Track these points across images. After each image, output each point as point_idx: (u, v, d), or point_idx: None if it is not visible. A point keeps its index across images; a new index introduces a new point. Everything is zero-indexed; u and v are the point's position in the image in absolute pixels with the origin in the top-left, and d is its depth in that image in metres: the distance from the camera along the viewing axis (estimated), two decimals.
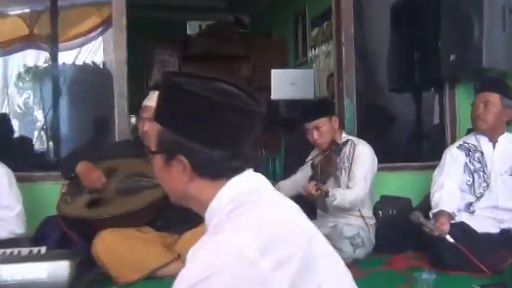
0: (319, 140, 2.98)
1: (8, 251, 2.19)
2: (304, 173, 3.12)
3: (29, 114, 5.81)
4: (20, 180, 2.68)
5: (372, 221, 3.05)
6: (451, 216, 2.71)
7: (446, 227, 2.59)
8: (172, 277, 0.92)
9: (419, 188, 3.37)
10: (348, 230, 2.84)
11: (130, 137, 3.20)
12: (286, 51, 6.60)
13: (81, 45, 5.82)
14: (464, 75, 3.54)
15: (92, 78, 5.40)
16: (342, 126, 3.17)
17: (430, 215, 2.73)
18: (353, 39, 3.52)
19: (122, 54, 3.18)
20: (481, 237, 2.67)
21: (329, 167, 2.91)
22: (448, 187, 2.80)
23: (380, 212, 3.17)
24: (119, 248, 2.41)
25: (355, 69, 3.51)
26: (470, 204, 2.81)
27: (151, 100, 2.66)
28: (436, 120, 3.85)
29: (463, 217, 2.79)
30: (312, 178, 2.95)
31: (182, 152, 0.99)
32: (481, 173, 2.82)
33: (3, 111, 5.66)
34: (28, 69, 5.75)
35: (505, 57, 3.25)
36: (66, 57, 5.69)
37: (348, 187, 2.89)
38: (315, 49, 5.80)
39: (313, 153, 3.17)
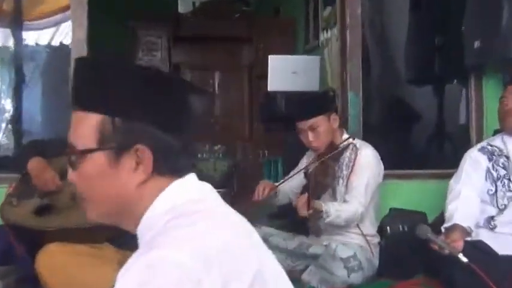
0: (315, 143, 2.97)
1: None
2: (298, 180, 3.10)
3: None
4: None
5: (375, 240, 3.03)
6: (466, 231, 2.67)
7: (459, 245, 2.55)
8: None
9: (437, 200, 3.32)
10: (343, 250, 2.83)
11: None
12: (296, 34, 6.55)
13: (51, 25, 5.87)
14: (491, 65, 3.51)
15: (58, 63, 5.42)
16: (342, 125, 3.15)
17: (442, 229, 2.70)
18: (360, 22, 3.51)
19: (80, 33, 3.17)
20: (502, 260, 2.63)
21: (326, 177, 2.90)
22: (466, 196, 2.76)
23: (388, 228, 3.15)
24: (68, 266, 2.37)
25: (361, 57, 3.51)
26: (492, 218, 2.77)
27: None
28: (463, 119, 3.81)
29: (482, 235, 2.75)
30: (304, 189, 2.95)
31: (142, 141, 0.97)
32: (506, 181, 2.79)
33: None
34: None
35: None
36: (32, 39, 5.73)
37: (344, 200, 2.87)
38: (327, 31, 5.75)
39: (308, 155, 3.17)
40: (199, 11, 6.85)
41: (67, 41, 5.62)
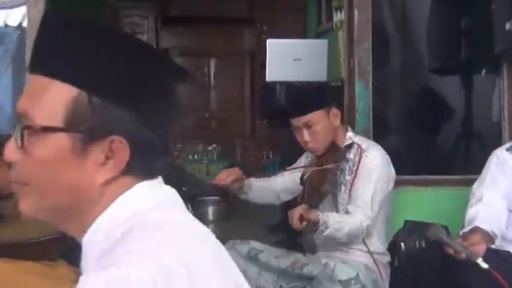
0: (312, 144, 2.95)
1: None
2: (289, 181, 3.12)
3: None
4: None
5: (385, 258, 3.01)
6: (488, 236, 2.64)
7: (480, 248, 2.52)
8: None
9: (462, 211, 3.28)
10: (343, 270, 2.79)
11: None
12: (306, 14, 6.53)
13: (22, 2, 5.89)
14: None
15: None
16: (347, 122, 3.16)
17: (460, 233, 2.70)
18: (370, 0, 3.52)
19: (36, 12, 3.17)
20: None
21: (323, 184, 2.88)
22: (489, 200, 2.76)
23: (402, 244, 3.11)
24: (10, 286, 2.35)
25: (372, 42, 3.50)
26: None
27: None
28: (494, 115, 3.79)
29: (509, 248, 2.76)
30: (301, 198, 2.94)
31: (118, 131, 0.94)
32: None
33: None
34: None
35: None
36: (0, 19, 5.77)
37: (347, 211, 2.84)
38: (340, 11, 5.72)
39: (307, 155, 3.16)
40: None
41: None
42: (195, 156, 6.24)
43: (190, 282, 0.88)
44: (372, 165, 2.89)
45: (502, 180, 2.81)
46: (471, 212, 2.75)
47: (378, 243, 2.98)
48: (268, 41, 4.44)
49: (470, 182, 3.43)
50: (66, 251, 2.59)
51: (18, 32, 6.13)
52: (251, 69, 7.03)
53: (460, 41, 3.72)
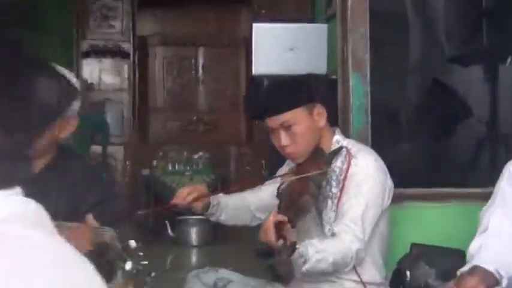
0: (292, 149, 2.91)
1: None
2: (268, 196, 3.10)
3: None
4: None
5: None
6: (492, 277, 2.57)
7: None
8: None
9: None
10: None
11: None
12: None
13: None
14: None
15: None
16: (336, 123, 3.18)
17: (458, 273, 2.64)
18: None
19: None
20: None
21: (303, 196, 2.81)
22: (496, 230, 2.70)
23: (408, 273, 3.10)
24: None
25: (369, 26, 3.47)
26: None
27: None
28: None
29: None
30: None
31: None
32: None
33: None
34: None
35: None
36: None
37: (332, 233, 2.79)
38: None
39: (286, 165, 3.15)
40: None
41: None
42: (175, 167, 6.21)
43: None
44: (362, 174, 2.84)
45: None
46: (473, 245, 2.71)
47: (374, 272, 2.93)
48: (254, 25, 4.48)
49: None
50: None
51: None
52: (247, 60, 6.97)
53: (479, 24, 3.71)
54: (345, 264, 2.77)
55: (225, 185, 6.26)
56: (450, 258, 3.13)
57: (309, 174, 2.86)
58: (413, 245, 3.24)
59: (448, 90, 4.07)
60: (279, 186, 3.00)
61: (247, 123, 7.03)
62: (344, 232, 2.75)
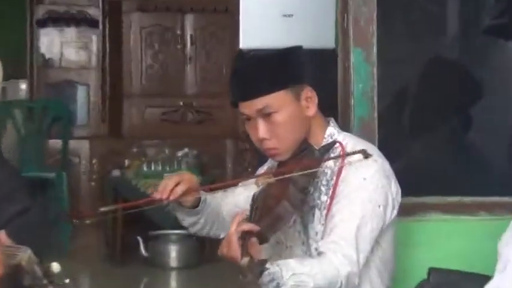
0: (272, 143, 2.91)
1: None
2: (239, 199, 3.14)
3: None
4: None
5: None
6: None
7: None
8: None
9: None
10: None
11: None
12: None
13: None
14: None
15: None
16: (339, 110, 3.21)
17: None
18: None
19: None
20: None
21: (281, 202, 2.79)
22: None
23: None
24: None
25: None
26: None
27: None
28: None
29: None
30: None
31: None
32: None
33: None
34: None
35: None
36: None
37: (319, 253, 2.77)
38: None
39: (268, 163, 3.18)
40: None
41: None
42: (152, 167, 6.22)
43: None
44: (359, 177, 2.83)
45: None
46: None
47: None
48: None
49: None
50: None
51: None
52: None
53: None
54: None
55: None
56: (473, 284, 3.15)
57: (291, 175, 2.85)
58: (432, 270, 3.18)
59: (475, 72, 4.05)
60: (254, 193, 2.93)
61: None
62: (332, 251, 2.73)
